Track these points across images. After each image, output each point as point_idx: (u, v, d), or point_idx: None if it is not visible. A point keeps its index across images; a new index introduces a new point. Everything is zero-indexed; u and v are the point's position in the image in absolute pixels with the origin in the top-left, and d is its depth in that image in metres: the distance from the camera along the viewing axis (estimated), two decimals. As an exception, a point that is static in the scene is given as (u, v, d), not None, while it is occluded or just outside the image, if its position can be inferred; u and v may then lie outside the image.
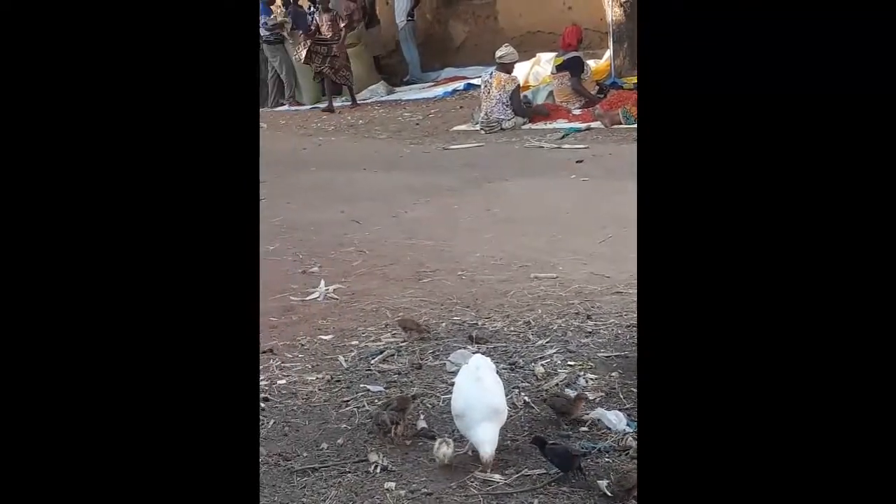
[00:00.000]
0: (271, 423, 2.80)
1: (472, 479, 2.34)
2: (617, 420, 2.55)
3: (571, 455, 2.33)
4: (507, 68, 8.96)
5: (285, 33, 12.62)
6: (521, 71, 10.26)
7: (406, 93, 12.71)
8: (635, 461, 2.32)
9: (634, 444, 2.42)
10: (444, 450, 2.40)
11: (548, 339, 3.25)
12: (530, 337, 3.30)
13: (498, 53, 9.03)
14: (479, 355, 2.65)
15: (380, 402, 2.77)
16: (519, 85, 9.08)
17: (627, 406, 2.66)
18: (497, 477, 2.34)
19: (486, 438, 2.32)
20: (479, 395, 2.38)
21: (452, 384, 2.63)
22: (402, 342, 3.36)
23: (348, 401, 2.91)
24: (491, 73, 9.00)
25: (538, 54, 11.09)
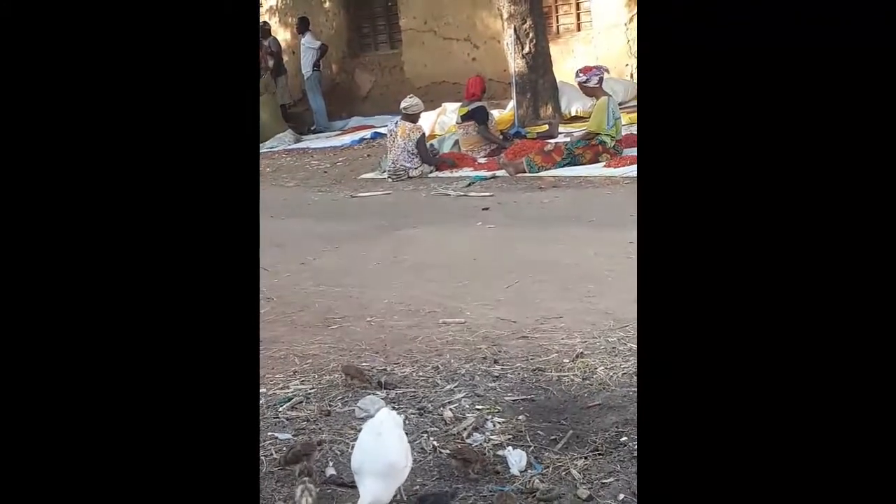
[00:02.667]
0: (176, 474, 2.74)
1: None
2: (518, 459, 2.59)
3: (445, 495, 2.41)
4: (411, 118, 9.09)
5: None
6: (428, 120, 10.42)
7: (313, 141, 12.76)
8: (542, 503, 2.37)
9: (541, 486, 2.46)
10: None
11: (456, 384, 3.28)
12: (438, 381, 3.33)
13: (403, 104, 9.16)
14: (385, 409, 2.61)
15: (285, 450, 2.74)
16: (424, 133, 9.20)
17: (532, 448, 2.71)
18: (406, 523, 2.34)
19: (369, 494, 2.27)
20: (376, 451, 2.33)
21: (360, 431, 2.63)
22: (310, 389, 3.34)
23: (256, 450, 2.87)
24: (396, 123, 9.11)
25: (444, 104, 11.30)
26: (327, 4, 14.84)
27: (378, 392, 3.23)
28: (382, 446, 2.35)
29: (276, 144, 12.62)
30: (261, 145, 12.59)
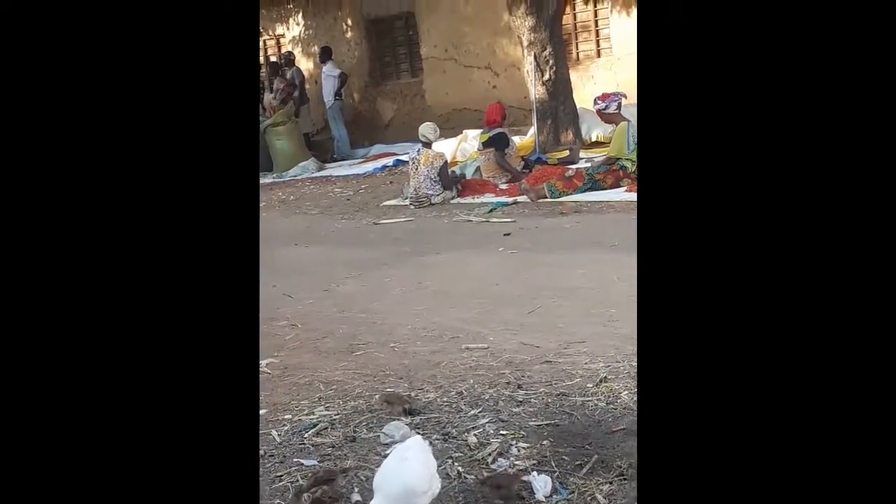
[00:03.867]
0: (204, 500, 2.76)
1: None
2: (543, 484, 2.59)
3: None
4: (429, 144, 9.17)
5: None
6: (449, 147, 10.49)
7: (336, 169, 12.86)
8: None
9: (567, 511, 2.46)
10: None
11: (480, 409, 3.29)
12: (463, 407, 3.34)
13: (420, 132, 9.26)
14: (417, 437, 2.63)
15: (308, 477, 2.76)
16: (447, 161, 9.27)
17: (557, 473, 2.71)
18: (431, 548, 2.35)
19: None
20: (396, 474, 2.33)
21: (387, 456, 2.64)
22: (335, 415, 3.36)
23: (281, 475, 2.89)
24: (419, 150, 9.18)
25: (465, 131, 11.37)
26: (349, 34, 15.00)
27: (402, 418, 3.24)
28: (404, 469, 2.35)
29: (300, 172, 12.74)
30: (285, 174, 12.73)
